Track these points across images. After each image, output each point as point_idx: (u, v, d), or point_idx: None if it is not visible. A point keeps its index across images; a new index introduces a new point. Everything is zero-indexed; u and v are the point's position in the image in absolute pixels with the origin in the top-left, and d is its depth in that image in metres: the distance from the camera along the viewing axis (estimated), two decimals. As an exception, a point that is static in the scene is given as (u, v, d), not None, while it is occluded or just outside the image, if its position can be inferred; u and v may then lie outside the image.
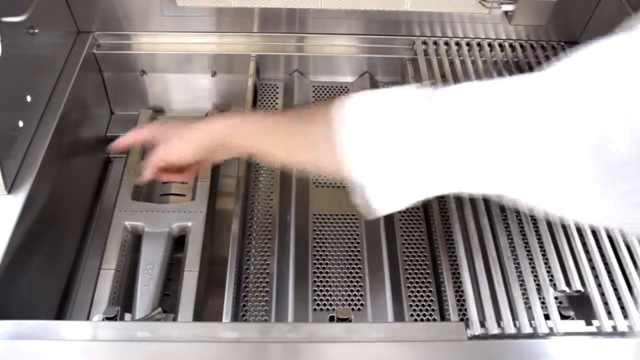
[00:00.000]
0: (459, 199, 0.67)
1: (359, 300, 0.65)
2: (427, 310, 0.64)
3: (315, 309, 0.64)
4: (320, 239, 0.70)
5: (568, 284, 0.60)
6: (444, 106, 0.39)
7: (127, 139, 0.59)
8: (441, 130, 0.39)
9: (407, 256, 0.69)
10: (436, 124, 0.39)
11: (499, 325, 0.56)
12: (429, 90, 0.41)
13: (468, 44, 0.85)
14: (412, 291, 0.66)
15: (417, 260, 0.69)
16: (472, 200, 0.67)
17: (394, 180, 0.41)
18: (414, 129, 0.40)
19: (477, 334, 0.55)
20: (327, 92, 0.88)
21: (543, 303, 0.57)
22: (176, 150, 0.54)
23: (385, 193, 0.42)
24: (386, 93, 0.43)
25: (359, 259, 0.69)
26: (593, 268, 0.61)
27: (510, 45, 0.86)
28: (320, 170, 0.49)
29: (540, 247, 0.63)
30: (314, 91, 0.88)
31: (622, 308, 0.57)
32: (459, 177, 0.40)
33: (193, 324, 0.59)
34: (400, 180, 0.41)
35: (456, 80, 0.79)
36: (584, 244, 0.63)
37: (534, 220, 0.65)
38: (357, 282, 0.67)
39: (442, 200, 0.69)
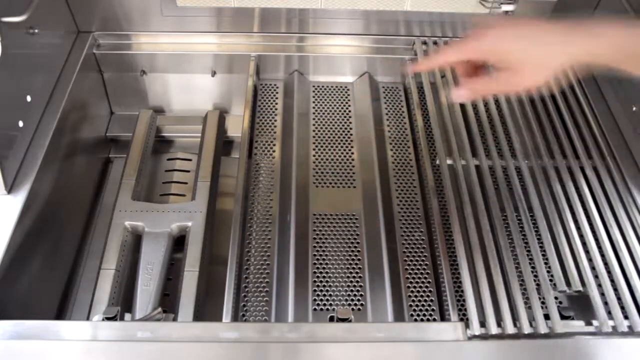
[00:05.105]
0: (459, 199, 0.67)
1: (359, 300, 0.65)
2: (427, 310, 0.64)
3: (315, 309, 0.64)
4: (320, 239, 0.70)
5: (568, 284, 0.60)
6: None
7: (435, 60, 0.50)
8: None
9: (407, 256, 0.69)
10: None
11: (499, 325, 0.56)
12: None
13: (468, 44, 0.85)
14: (412, 291, 0.66)
15: (417, 260, 0.69)
16: (472, 200, 0.67)
17: None
18: None
19: (477, 334, 0.55)
20: (327, 92, 0.88)
21: (543, 303, 0.57)
22: (533, 78, 0.46)
23: None
24: None
25: (359, 259, 0.69)
26: (593, 268, 0.61)
27: (510, 45, 0.86)
28: None
29: (540, 247, 0.63)
30: (314, 91, 0.88)
31: (622, 308, 0.57)
32: None
33: (193, 324, 0.59)
34: None
35: (456, 80, 0.79)
36: (584, 244, 0.63)
37: (534, 220, 0.65)
38: (357, 282, 0.67)
39: (442, 200, 0.69)
